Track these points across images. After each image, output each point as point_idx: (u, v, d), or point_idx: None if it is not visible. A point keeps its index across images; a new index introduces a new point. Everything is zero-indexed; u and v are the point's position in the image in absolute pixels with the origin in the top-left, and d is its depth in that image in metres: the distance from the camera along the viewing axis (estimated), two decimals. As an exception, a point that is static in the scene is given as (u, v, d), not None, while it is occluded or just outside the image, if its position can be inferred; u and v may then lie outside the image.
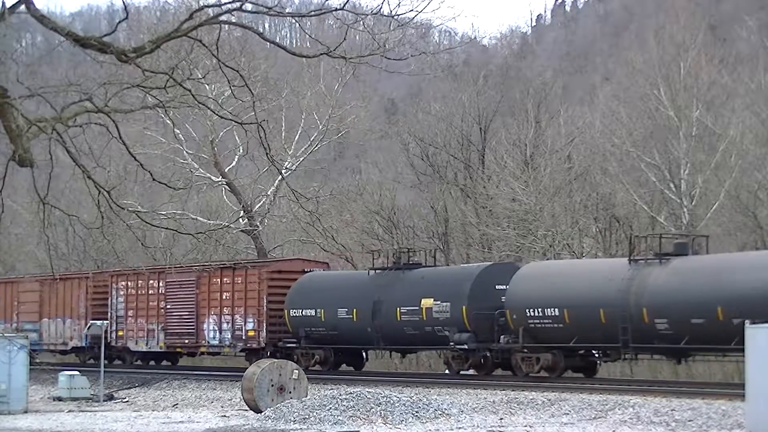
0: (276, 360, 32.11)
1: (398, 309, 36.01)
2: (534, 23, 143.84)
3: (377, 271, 38.09)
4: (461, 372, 35.48)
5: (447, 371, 36.44)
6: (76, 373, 39.45)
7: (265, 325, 40.00)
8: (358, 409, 27.27)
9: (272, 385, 30.13)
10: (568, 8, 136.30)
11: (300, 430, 26.20)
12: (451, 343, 34.65)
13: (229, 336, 41.14)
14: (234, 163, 53.43)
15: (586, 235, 49.04)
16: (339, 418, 26.87)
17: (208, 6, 22.66)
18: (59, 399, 38.09)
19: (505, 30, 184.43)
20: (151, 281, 44.59)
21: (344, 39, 21.57)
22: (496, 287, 34.08)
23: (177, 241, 57.11)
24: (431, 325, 35.02)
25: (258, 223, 52.02)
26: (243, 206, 51.33)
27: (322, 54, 21.85)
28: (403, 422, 26.58)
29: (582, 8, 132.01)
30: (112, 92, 21.32)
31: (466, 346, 34.24)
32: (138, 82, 21.46)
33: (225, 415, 31.33)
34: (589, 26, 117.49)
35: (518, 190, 49.23)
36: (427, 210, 56.29)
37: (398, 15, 21.20)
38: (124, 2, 21.76)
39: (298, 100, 54.48)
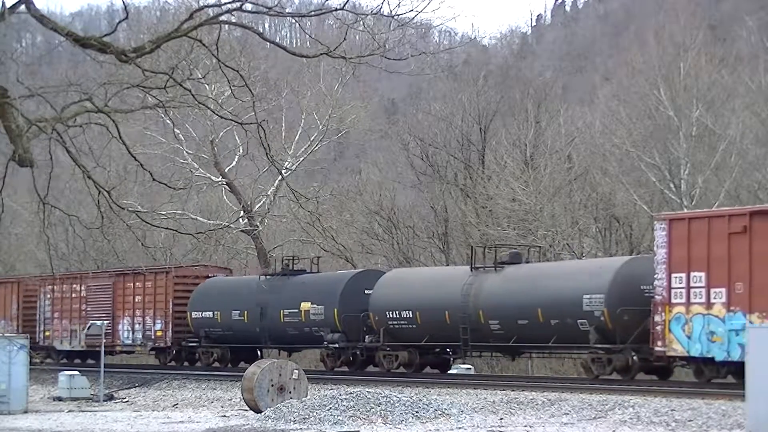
0: (276, 360, 32.13)
1: (282, 312, 39.48)
2: (534, 23, 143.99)
3: (267, 277, 41.51)
4: (334, 368, 38.52)
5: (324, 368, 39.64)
6: (76, 373, 39.48)
7: (171, 326, 43.73)
8: (358, 409, 27.27)
9: (272, 385, 30.13)
10: (568, 8, 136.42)
11: (300, 430, 26.20)
12: (325, 342, 38.13)
13: (141, 336, 44.89)
14: (234, 163, 53.44)
15: (586, 235, 49.07)
16: (339, 418, 26.87)
17: (208, 6, 22.68)
18: (59, 399, 38.10)
19: (505, 30, 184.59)
20: (74, 286, 48.20)
21: (344, 39, 21.59)
22: (365, 292, 37.20)
23: (177, 241, 57.14)
24: (309, 326, 38.51)
25: (258, 223, 52.03)
26: (243, 206, 51.34)
27: (322, 54, 21.87)
28: (403, 422, 26.58)
29: (582, 8, 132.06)
30: (112, 92, 21.35)
31: (337, 345, 37.84)
32: (138, 82, 21.48)
33: (225, 415, 31.33)
34: (589, 26, 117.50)
35: (518, 190, 49.25)
36: (427, 210, 56.30)
37: (398, 15, 21.24)
38: (124, 2, 21.80)
39: (298, 100, 54.49)
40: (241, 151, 51.69)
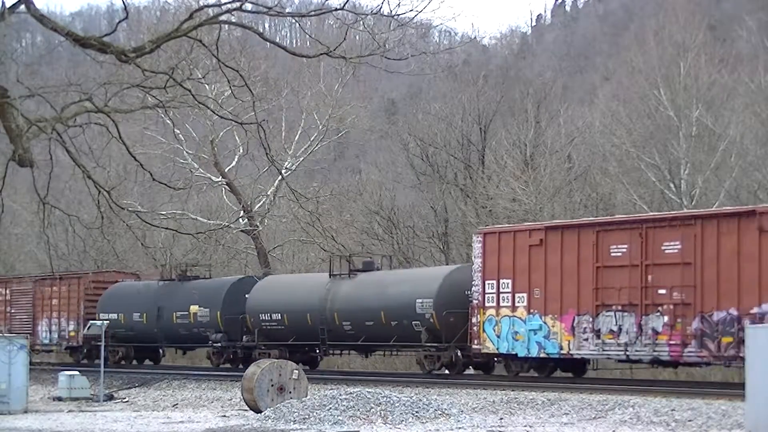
0: (276, 360, 32.13)
1: (174, 314, 43.64)
2: (534, 23, 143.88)
3: (164, 282, 45.60)
4: (219, 365, 42.62)
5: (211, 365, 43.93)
6: (76, 373, 39.47)
7: (82, 326, 46.39)
8: (358, 409, 27.27)
9: (272, 385, 30.13)
10: (568, 8, 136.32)
11: (300, 430, 26.20)
12: (210, 342, 42.53)
13: (57, 336, 49.06)
14: (234, 163, 53.44)
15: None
16: (339, 418, 26.87)
17: (208, 6, 22.69)
18: (59, 399, 38.09)
19: (505, 30, 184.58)
20: (0, 289, 52.35)
21: (344, 39, 21.59)
22: (245, 296, 41.37)
23: (177, 241, 57.14)
24: (197, 327, 42.81)
25: (258, 223, 52.03)
26: (243, 206, 51.34)
27: (322, 54, 21.87)
28: (403, 422, 26.58)
29: (582, 8, 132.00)
30: (112, 92, 21.36)
31: (220, 344, 42.23)
32: (138, 82, 21.49)
33: (225, 415, 31.33)
34: (589, 26, 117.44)
35: (518, 190, 49.23)
36: (427, 210, 56.28)
37: (398, 15, 21.24)
38: (124, 2, 21.80)
39: (298, 100, 54.49)
40: (241, 151, 51.69)
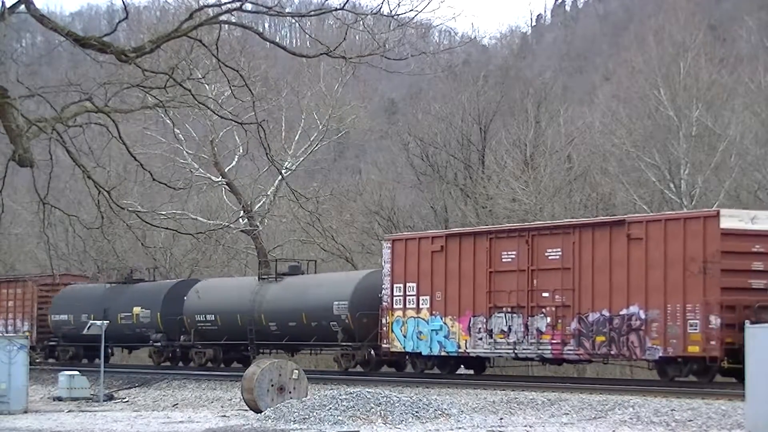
0: (276, 360, 32.13)
1: (119, 315, 45.66)
2: (534, 23, 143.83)
3: (111, 284, 48.37)
4: (160, 364, 45.21)
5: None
6: (76, 373, 39.47)
7: (36, 327, 50.35)
8: (358, 409, 27.27)
9: (272, 385, 30.13)
10: (568, 8, 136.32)
11: (300, 430, 26.20)
12: (151, 341, 45.02)
13: None
14: (234, 163, 53.42)
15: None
16: (339, 418, 26.87)
17: (208, 6, 22.70)
18: (59, 399, 38.09)
19: (505, 30, 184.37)
20: None
21: (344, 39, 21.57)
22: (184, 298, 43.71)
23: (177, 241, 57.13)
24: (140, 327, 45.09)
25: (258, 223, 52.02)
26: (243, 206, 51.32)
27: (322, 54, 21.85)
28: (403, 422, 26.58)
29: (582, 8, 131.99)
30: (112, 92, 21.35)
31: (160, 344, 44.66)
32: (138, 82, 21.48)
33: (225, 415, 31.33)
34: (589, 26, 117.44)
35: (518, 190, 49.23)
36: (427, 210, 56.26)
37: (398, 15, 21.22)
38: (124, 2, 21.81)
39: (298, 100, 54.47)
40: (241, 151, 51.66)
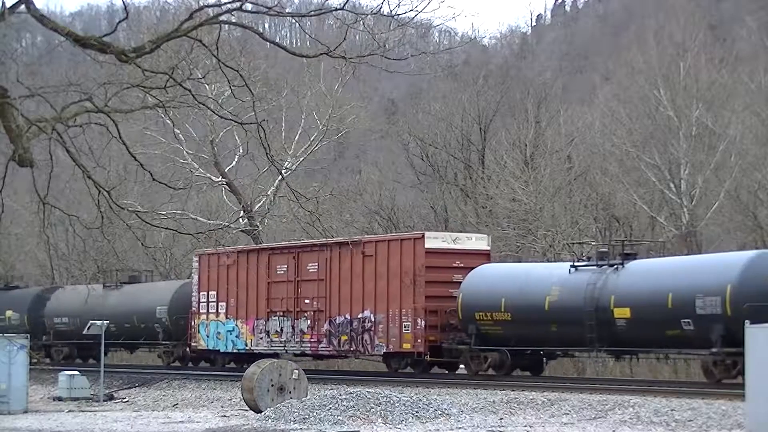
0: (276, 360, 32.14)
1: None
2: (534, 23, 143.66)
3: None
4: (31, 362, 49.37)
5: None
6: (76, 373, 39.48)
7: None
8: (358, 409, 27.27)
9: (272, 385, 30.13)
10: (568, 8, 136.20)
11: (300, 430, 26.21)
12: None
13: None
14: (234, 163, 53.41)
15: (586, 235, 48.99)
16: (339, 418, 26.88)
17: (208, 6, 22.67)
18: (59, 399, 38.09)
19: (505, 30, 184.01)
20: None
21: (344, 39, 21.56)
22: (46, 303, 50.05)
23: (177, 241, 57.11)
24: (11, 329, 47.53)
25: (258, 223, 52.01)
26: (243, 206, 51.32)
27: (322, 54, 21.84)
28: (403, 422, 26.59)
29: (582, 8, 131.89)
30: (112, 92, 21.32)
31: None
32: (138, 82, 21.46)
33: (225, 415, 31.33)
34: (589, 26, 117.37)
35: (518, 190, 49.20)
36: (427, 210, 56.25)
37: (398, 15, 21.21)
38: (124, 2, 21.81)
39: (298, 100, 54.45)
40: (241, 151, 51.65)
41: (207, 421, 29.76)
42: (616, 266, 31.32)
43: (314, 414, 27.24)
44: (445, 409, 27.56)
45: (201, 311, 41.86)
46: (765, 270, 28.33)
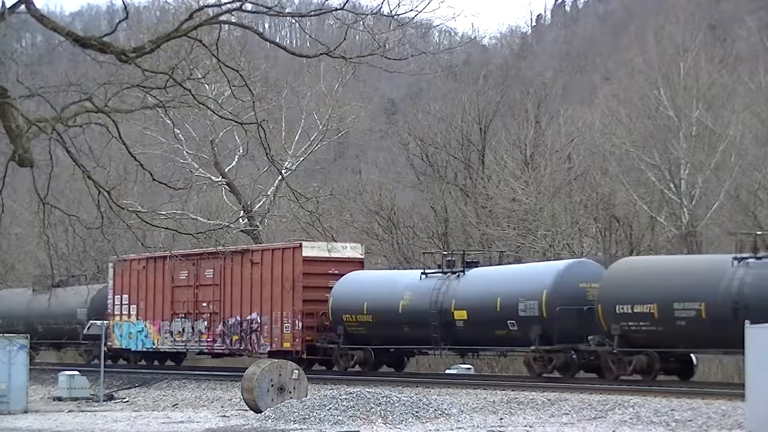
0: (276, 360, 32.14)
1: None
2: (534, 23, 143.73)
3: None
4: None
5: None
6: (76, 373, 39.49)
7: None
8: (358, 409, 27.27)
9: (272, 385, 30.14)
10: (568, 8, 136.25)
11: (300, 430, 26.21)
12: None
13: None
14: (234, 163, 53.37)
15: (586, 235, 49.02)
16: (339, 418, 26.87)
17: (208, 6, 22.66)
18: (59, 399, 38.09)
19: (505, 30, 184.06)
20: None
21: (344, 39, 21.55)
22: None
23: (177, 241, 57.06)
24: None
25: (258, 223, 51.99)
26: (243, 206, 51.29)
27: (322, 54, 21.84)
28: (403, 422, 26.59)
29: (582, 8, 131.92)
30: (112, 92, 21.32)
31: None
32: (138, 82, 21.46)
33: (225, 415, 31.33)
34: (589, 26, 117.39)
35: (518, 190, 49.20)
36: (427, 210, 56.22)
37: (398, 15, 21.20)
38: (124, 2, 21.82)
39: (298, 100, 54.43)
40: (241, 151, 51.63)
41: (207, 421, 29.76)
42: (458, 273, 35.22)
43: (314, 414, 27.24)
44: (445, 409, 27.56)
45: (115, 313, 45.60)
46: (575, 277, 32.35)
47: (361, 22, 22.34)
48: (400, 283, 36.85)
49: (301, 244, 38.51)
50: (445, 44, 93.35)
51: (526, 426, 25.84)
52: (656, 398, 27.27)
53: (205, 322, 41.60)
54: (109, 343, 44.66)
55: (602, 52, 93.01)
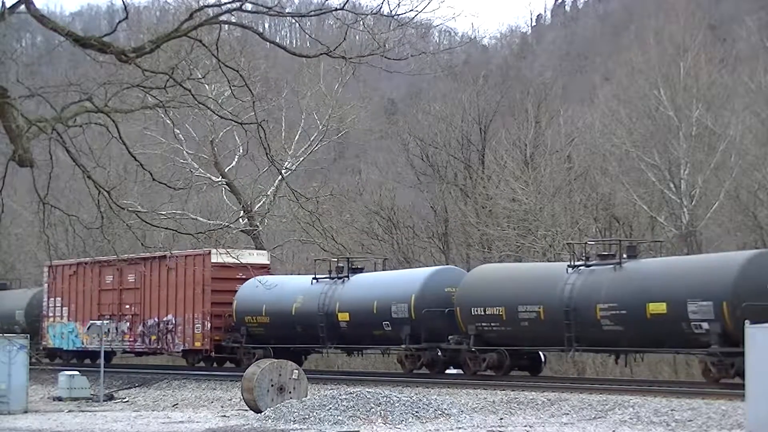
0: (276, 360, 32.13)
1: None
2: (534, 23, 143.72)
3: None
4: None
5: None
6: (76, 373, 39.46)
7: None
8: (358, 409, 27.27)
9: (272, 385, 30.13)
10: (568, 8, 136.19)
11: (300, 430, 26.21)
12: None
13: None
14: (234, 163, 53.36)
15: (586, 235, 48.99)
16: (339, 418, 26.87)
17: (208, 6, 22.65)
18: (59, 399, 38.07)
19: (505, 30, 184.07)
20: None
21: (344, 39, 21.53)
22: None
23: (177, 241, 57.04)
24: None
25: (258, 223, 51.98)
26: (243, 206, 51.28)
27: (322, 54, 21.82)
28: (403, 422, 26.59)
29: (582, 8, 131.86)
30: (112, 92, 21.31)
31: None
32: (138, 82, 21.45)
33: (225, 415, 31.33)
34: (589, 26, 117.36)
35: (518, 190, 49.19)
36: (427, 210, 56.24)
37: (398, 15, 21.16)
38: (124, 2, 21.79)
39: (298, 100, 54.42)
40: (241, 151, 51.61)
41: (207, 421, 29.75)
42: (343, 279, 38.61)
43: (314, 414, 27.24)
44: (445, 409, 27.56)
45: (50, 314, 48.56)
46: (441, 282, 35.50)
47: (361, 22, 22.34)
48: (294, 288, 40.21)
49: (210, 251, 40.08)
50: (445, 44, 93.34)
51: (526, 426, 25.84)
52: (656, 398, 27.29)
53: (128, 323, 44.82)
54: (44, 343, 48.18)
55: (602, 52, 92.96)
